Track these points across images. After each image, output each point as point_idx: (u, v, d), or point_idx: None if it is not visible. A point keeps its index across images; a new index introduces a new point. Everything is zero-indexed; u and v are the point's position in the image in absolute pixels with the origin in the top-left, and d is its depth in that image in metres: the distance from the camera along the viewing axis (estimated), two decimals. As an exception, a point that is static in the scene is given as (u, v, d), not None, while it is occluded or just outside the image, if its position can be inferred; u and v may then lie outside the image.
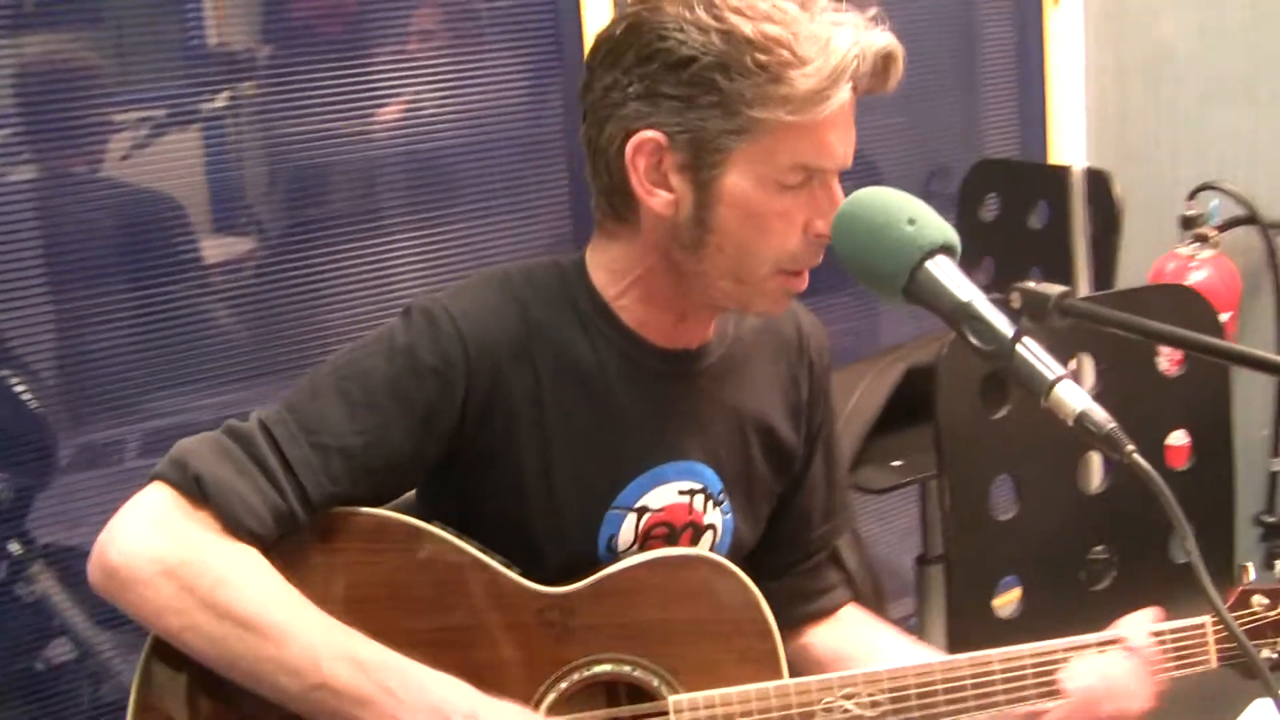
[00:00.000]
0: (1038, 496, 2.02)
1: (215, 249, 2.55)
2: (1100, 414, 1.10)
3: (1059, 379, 1.12)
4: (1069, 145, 3.41)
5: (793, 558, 1.66)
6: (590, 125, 1.43)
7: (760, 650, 1.49)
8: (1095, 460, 2.15)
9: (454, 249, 2.73)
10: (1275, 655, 1.52)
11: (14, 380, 2.38)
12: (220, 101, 2.54)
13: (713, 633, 1.48)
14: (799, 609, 1.65)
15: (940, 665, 1.45)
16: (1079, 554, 2.05)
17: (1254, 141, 3.25)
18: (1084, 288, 2.86)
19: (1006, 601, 2.06)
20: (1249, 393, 3.04)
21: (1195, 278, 3.12)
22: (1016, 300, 1.13)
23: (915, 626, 2.76)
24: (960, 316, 1.18)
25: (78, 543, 2.48)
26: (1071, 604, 2.02)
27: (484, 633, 1.43)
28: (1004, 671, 1.46)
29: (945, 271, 1.20)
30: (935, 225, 1.22)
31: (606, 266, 1.48)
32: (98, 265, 2.38)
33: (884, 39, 1.36)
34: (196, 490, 1.34)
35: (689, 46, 1.34)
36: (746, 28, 1.33)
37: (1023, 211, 3.05)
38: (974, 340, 1.16)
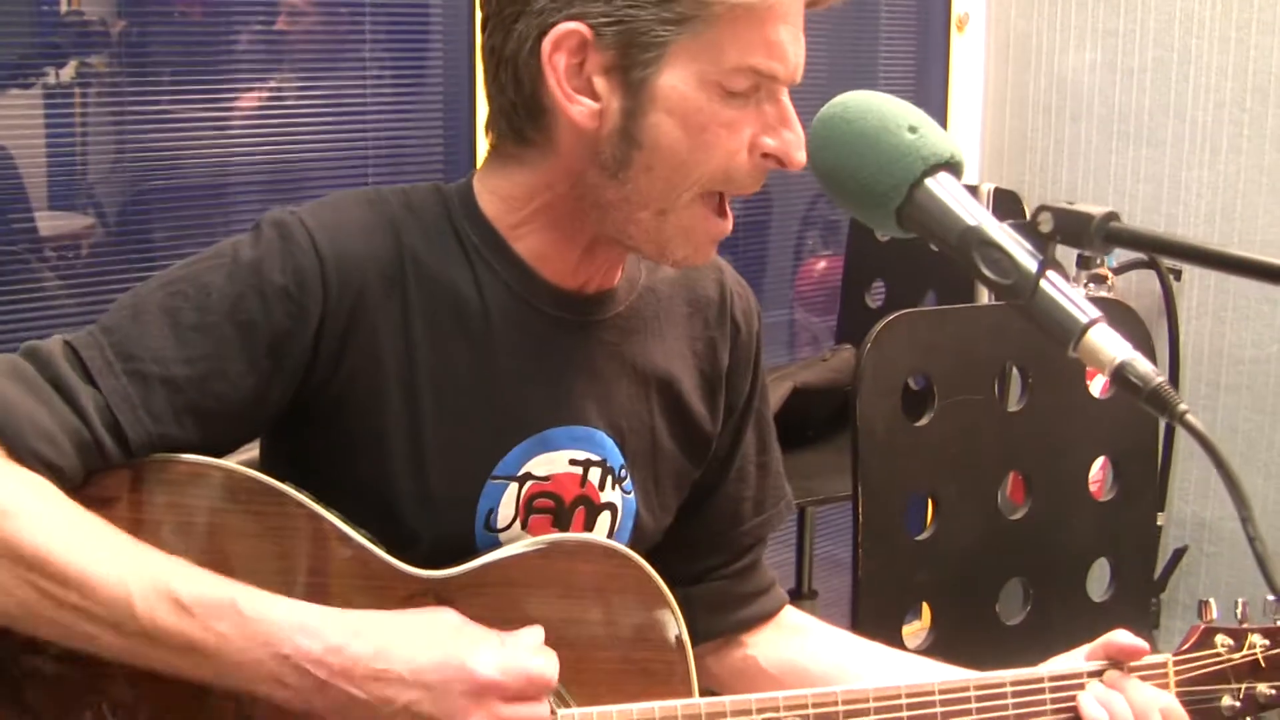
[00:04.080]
0: (955, 519, 1.81)
1: (50, 224, 2.34)
2: (1145, 366, 0.89)
3: (1093, 322, 0.91)
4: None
5: (720, 559, 1.43)
6: (494, 32, 1.20)
7: (666, 662, 1.25)
8: (1015, 480, 1.96)
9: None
10: (1238, 703, 1.34)
11: None
12: (67, 73, 2.34)
13: (613, 638, 1.24)
14: (732, 615, 1.42)
15: (878, 690, 1.24)
16: (994, 585, 1.85)
17: (1154, 183, 3.15)
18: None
19: (916, 631, 1.85)
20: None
21: (1090, 319, 2.98)
22: (1047, 223, 0.91)
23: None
24: (970, 243, 0.96)
25: None
26: (983, 638, 1.82)
27: None
28: (944, 702, 1.25)
29: (951, 190, 0.99)
30: (940, 136, 1.01)
31: (503, 194, 1.24)
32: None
33: None
34: None
35: None
36: None
37: (919, 232, 2.87)
38: (987, 272, 0.94)
